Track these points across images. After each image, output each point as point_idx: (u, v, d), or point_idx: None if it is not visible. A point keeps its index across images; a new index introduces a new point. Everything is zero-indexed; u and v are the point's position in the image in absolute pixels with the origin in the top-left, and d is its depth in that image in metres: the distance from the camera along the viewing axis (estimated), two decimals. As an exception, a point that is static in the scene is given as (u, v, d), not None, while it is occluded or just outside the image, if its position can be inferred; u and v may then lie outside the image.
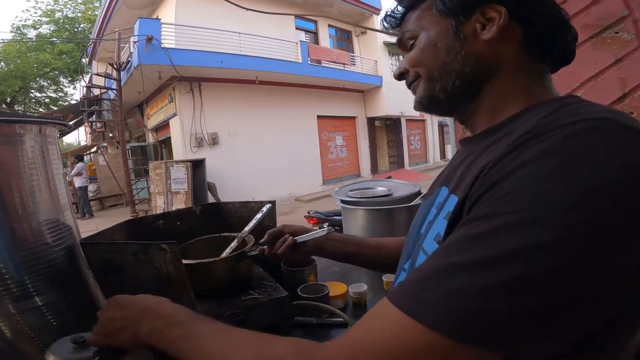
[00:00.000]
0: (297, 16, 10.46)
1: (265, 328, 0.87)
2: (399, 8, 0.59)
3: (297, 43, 9.62)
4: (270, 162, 9.10)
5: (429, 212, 0.56)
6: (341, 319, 0.97)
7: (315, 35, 11.37)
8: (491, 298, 0.30)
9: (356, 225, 1.51)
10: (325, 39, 11.55)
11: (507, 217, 0.32)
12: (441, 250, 0.37)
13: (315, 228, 0.90)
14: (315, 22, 11.23)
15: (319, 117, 10.72)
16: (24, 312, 0.58)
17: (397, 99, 11.61)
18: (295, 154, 9.71)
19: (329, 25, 11.61)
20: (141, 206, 8.79)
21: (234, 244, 1.00)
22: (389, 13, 0.61)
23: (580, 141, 0.33)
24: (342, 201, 1.51)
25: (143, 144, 10.56)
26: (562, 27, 0.51)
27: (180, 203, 6.41)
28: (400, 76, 0.60)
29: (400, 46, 0.60)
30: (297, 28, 10.66)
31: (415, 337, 0.32)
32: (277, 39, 8.87)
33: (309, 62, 9.75)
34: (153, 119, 9.73)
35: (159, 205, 6.75)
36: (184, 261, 0.73)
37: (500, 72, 0.50)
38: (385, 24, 0.62)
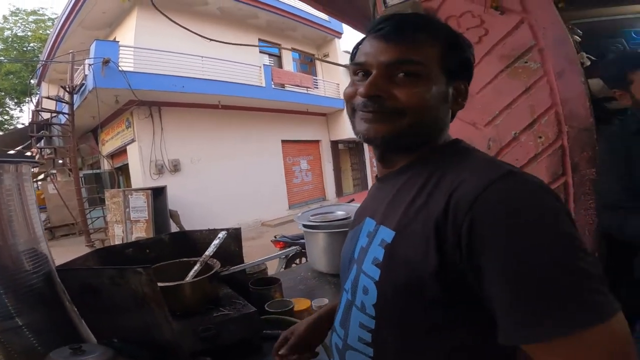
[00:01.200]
0: (261, 40, 10.75)
1: (237, 341, 0.94)
2: (409, 24, 0.57)
3: (260, 67, 9.76)
4: (235, 188, 8.97)
5: (358, 240, 0.62)
6: (306, 332, 1.06)
7: (278, 58, 11.61)
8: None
9: (318, 247, 1.63)
10: (289, 62, 11.81)
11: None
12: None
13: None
14: (279, 45, 11.56)
15: (283, 141, 10.83)
16: (6, 331, 0.62)
17: (359, 122, 12.02)
18: (260, 179, 9.66)
19: (293, 49, 11.90)
20: (97, 235, 8.27)
21: (197, 266, 1.07)
22: (398, 19, 0.57)
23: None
24: (304, 225, 1.62)
25: (97, 171, 10.03)
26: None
27: (140, 232, 6.15)
28: (373, 95, 0.55)
29: (387, 67, 0.55)
30: (260, 52, 10.83)
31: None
32: (241, 63, 8.96)
33: (273, 86, 9.90)
34: (109, 145, 9.33)
35: (117, 234, 6.45)
36: (159, 284, 0.79)
37: (444, 133, 0.60)
38: (385, 24, 0.57)
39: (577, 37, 1.60)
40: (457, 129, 0.61)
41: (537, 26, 1.32)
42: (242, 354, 0.97)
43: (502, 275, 0.41)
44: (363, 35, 0.62)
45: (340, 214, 1.66)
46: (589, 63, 1.48)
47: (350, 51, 0.66)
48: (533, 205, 0.43)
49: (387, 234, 0.53)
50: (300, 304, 1.19)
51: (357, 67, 0.59)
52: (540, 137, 1.23)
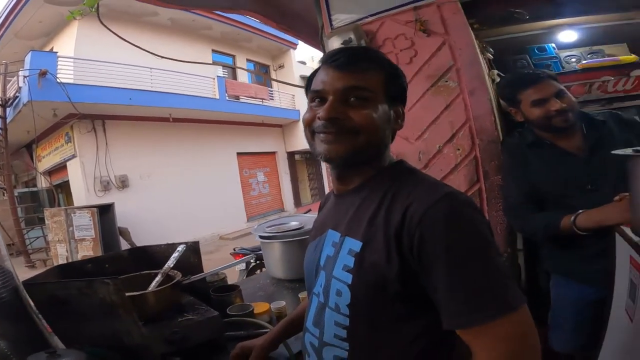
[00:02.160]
0: (215, 51, 10.54)
1: (203, 342, 1.01)
2: (359, 57, 0.67)
3: (214, 79, 9.61)
4: (189, 203, 8.69)
5: (322, 250, 0.70)
6: (267, 329, 1.16)
7: (233, 70, 11.47)
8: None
9: (274, 256, 1.73)
10: (244, 73, 11.71)
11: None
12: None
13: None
14: (234, 56, 11.42)
15: (239, 153, 10.71)
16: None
17: (314, 133, 12.23)
18: (217, 192, 9.46)
19: (248, 60, 11.86)
20: (37, 255, 7.60)
21: (159, 277, 1.14)
22: (352, 52, 0.68)
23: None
24: (261, 237, 1.72)
25: (34, 189, 9.20)
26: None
27: (87, 250, 5.79)
28: (333, 118, 0.64)
29: (342, 94, 0.64)
30: (214, 62, 10.62)
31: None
32: (193, 75, 8.74)
33: (227, 97, 9.78)
34: (46, 161, 8.62)
35: (61, 253, 6.05)
36: (126, 294, 0.85)
37: (386, 150, 0.70)
38: (338, 57, 0.66)
39: (490, 55, 1.86)
40: (393, 144, 0.71)
41: (455, 47, 1.52)
42: (209, 353, 1.04)
43: (443, 275, 0.54)
44: (315, 48, 0.75)
45: (293, 224, 1.77)
46: (498, 79, 1.70)
47: (307, 76, 0.77)
48: (464, 220, 0.56)
49: (354, 244, 0.63)
50: (260, 307, 1.29)
51: (315, 94, 0.67)
52: (458, 149, 1.44)
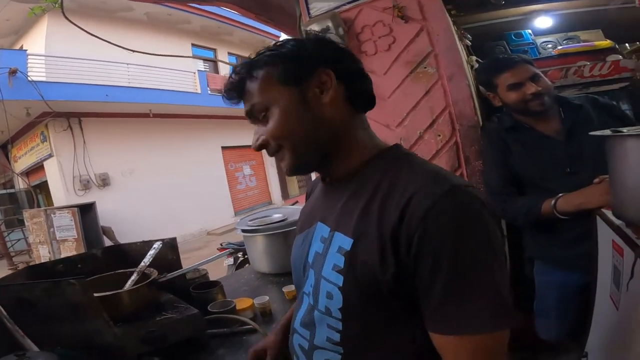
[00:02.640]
0: (195, 46, 10.31)
1: (183, 341, 0.99)
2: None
3: (194, 73, 9.40)
4: (175, 199, 8.55)
5: (311, 245, 0.65)
6: (250, 326, 1.14)
7: (214, 63, 11.22)
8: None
9: (257, 249, 1.70)
10: (226, 67, 11.34)
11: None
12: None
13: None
14: (214, 50, 11.18)
15: (223, 147, 10.58)
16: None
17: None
18: (202, 187, 9.33)
19: (229, 53, 11.63)
20: (20, 258, 7.37)
21: (134, 276, 1.10)
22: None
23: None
24: (243, 230, 1.69)
25: (12, 190, 8.89)
26: (364, 77, 0.62)
27: (69, 251, 5.65)
28: (260, 147, 0.62)
29: (251, 118, 0.63)
30: (194, 56, 10.32)
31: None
32: (173, 69, 8.52)
33: (209, 91, 9.57)
34: (22, 162, 8.31)
35: (43, 255, 5.89)
36: (97, 294, 0.82)
37: (344, 128, 0.60)
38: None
39: (468, 41, 1.86)
40: (373, 131, 0.65)
41: (433, 33, 1.51)
42: (190, 352, 1.02)
43: (442, 280, 0.48)
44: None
45: (276, 217, 1.75)
46: (477, 65, 1.70)
47: None
48: (473, 222, 0.50)
49: (344, 241, 0.57)
50: (243, 303, 1.26)
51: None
52: (439, 135, 1.44)
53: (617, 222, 0.84)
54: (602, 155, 0.93)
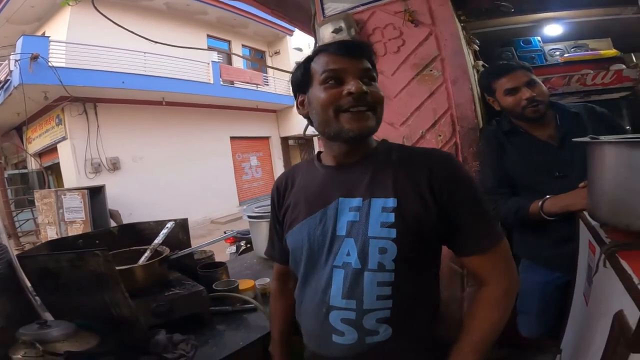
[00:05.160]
0: (210, 37, 10.38)
1: (188, 316, 1.07)
2: (362, 46, 0.76)
3: (208, 63, 9.47)
4: (181, 186, 8.69)
5: (338, 218, 0.73)
6: (252, 305, 1.22)
7: (228, 55, 11.28)
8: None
9: (261, 235, 1.78)
10: (239, 59, 11.51)
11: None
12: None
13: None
14: (229, 41, 11.22)
15: (232, 138, 10.67)
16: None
17: (309, 119, 12.17)
18: (209, 176, 9.45)
19: (243, 45, 11.67)
20: (27, 238, 7.55)
21: (147, 253, 1.19)
22: (355, 42, 0.79)
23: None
24: (249, 216, 1.78)
25: (24, 171, 9.11)
26: None
27: (76, 232, 5.76)
28: (364, 94, 0.70)
29: (364, 74, 0.72)
30: (209, 48, 10.40)
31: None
32: (188, 59, 8.60)
33: (221, 82, 9.66)
34: (36, 143, 8.50)
35: (50, 236, 5.97)
36: (116, 267, 0.90)
37: None
38: (348, 44, 0.75)
39: (476, 46, 1.90)
40: (380, 129, 0.76)
41: (441, 38, 1.55)
42: (194, 326, 1.09)
43: (467, 211, 0.71)
44: (310, 36, 0.82)
45: (282, 205, 1.83)
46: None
47: (300, 63, 0.81)
48: (467, 171, 0.77)
49: (386, 202, 0.70)
50: (245, 284, 1.35)
51: (331, 73, 0.71)
52: (440, 135, 1.50)
53: (593, 222, 0.89)
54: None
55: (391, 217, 0.68)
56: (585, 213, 1.00)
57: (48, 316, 0.90)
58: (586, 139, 0.82)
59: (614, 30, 2.05)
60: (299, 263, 0.78)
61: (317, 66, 0.74)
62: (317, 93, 0.73)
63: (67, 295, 0.90)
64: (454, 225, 0.71)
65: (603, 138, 0.82)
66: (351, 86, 0.69)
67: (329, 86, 0.71)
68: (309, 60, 0.77)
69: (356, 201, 0.72)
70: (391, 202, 0.69)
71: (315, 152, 0.91)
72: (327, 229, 0.73)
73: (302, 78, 0.77)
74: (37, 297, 0.93)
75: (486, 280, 0.73)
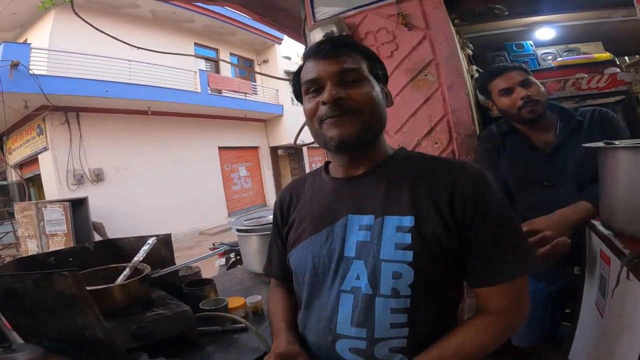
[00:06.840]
0: (197, 45, 10.31)
1: (172, 337, 0.98)
2: (342, 44, 0.69)
3: (196, 72, 9.39)
4: (168, 197, 8.50)
5: (346, 237, 0.65)
6: (242, 325, 1.13)
7: (216, 63, 11.22)
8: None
9: (251, 249, 1.69)
10: (227, 67, 11.46)
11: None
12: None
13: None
14: (217, 50, 11.19)
15: (220, 148, 10.54)
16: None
17: (298, 128, 12.10)
18: (197, 187, 9.29)
19: (231, 54, 11.64)
20: (8, 251, 7.25)
21: (126, 271, 1.09)
22: (333, 41, 0.70)
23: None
24: (238, 230, 1.69)
25: (4, 182, 8.79)
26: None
27: (58, 246, 5.58)
28: (337, 100, 0.64)
29: (339, 76, 0.66)
30: (196, 55, 10.33)
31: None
32: (174, 68, 8.51)
33: (209, 91, 9.58)
34: (16, 154, 8.24)
35: (31, 249, 5.81)
36: (89, 287, 0.81)
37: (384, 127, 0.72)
38: (324, 46, 0.68)
39: (470, 51, 1.88)
40: None
41: (435, 42, 1.52)
42: (180, 349, 1.01)
43: (492, 235, 0.62)
44: (299, 42, 0.77)
45: (271, 217, 1.75)
46: (477, 75, 1.72)
47: (294, 73, 0.77)
48: (497, 190, 0.66)
49: (402, 220, 0.62)
50: (235, 302, 1.25)
51: (310, 84, 0.68)
52: (436, 143, 1.45)
53: (606, 232, 0.85)
54: (582, 172, 1.00)
55: (407, 238, 0.61)
56: (594, 222, 0.96)
57: (16, 336, 0.82)
58: (600, 144, 0.78)
59: (605, 34, 2.07)
60: (302, 285, 0.71)
61: (302, 75, 0.72)
62: (304, 104, 0.72)
63: (35, 318, 0.81)
64: (469, 255, 0.63)
65: (618, 143, 0.78)
66: (322, 96, 0.66)
67: (311, 96, 0.69)
68: (300, 69, 0.75)
69: (367, 219, 0.65)
70: (407, 221, 0.62)
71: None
72: (333, 249, 0.66)
73: (296, 89, 0.76)
74: (2, 318, 0.84)
75: (489, 309, 0.65)
